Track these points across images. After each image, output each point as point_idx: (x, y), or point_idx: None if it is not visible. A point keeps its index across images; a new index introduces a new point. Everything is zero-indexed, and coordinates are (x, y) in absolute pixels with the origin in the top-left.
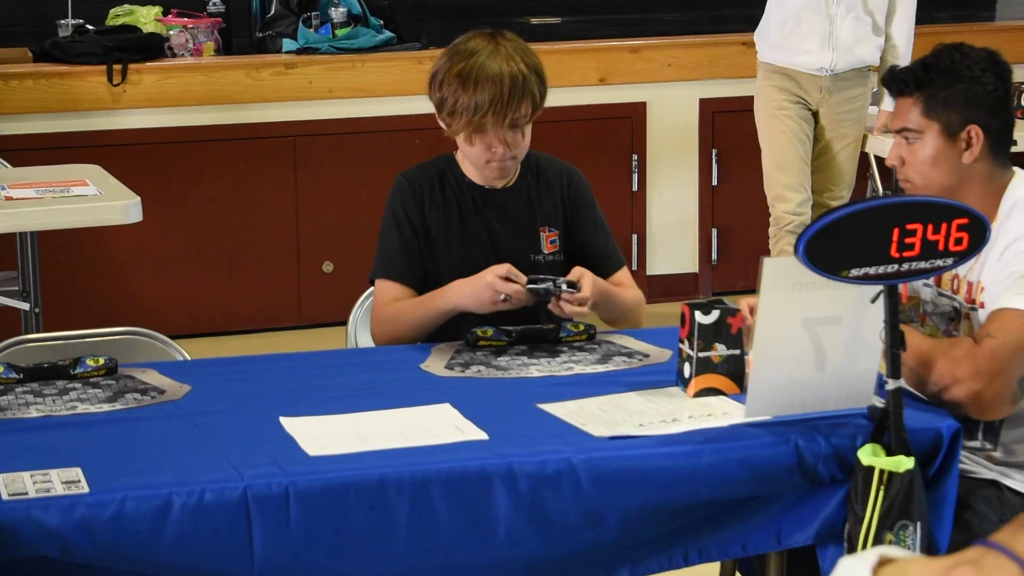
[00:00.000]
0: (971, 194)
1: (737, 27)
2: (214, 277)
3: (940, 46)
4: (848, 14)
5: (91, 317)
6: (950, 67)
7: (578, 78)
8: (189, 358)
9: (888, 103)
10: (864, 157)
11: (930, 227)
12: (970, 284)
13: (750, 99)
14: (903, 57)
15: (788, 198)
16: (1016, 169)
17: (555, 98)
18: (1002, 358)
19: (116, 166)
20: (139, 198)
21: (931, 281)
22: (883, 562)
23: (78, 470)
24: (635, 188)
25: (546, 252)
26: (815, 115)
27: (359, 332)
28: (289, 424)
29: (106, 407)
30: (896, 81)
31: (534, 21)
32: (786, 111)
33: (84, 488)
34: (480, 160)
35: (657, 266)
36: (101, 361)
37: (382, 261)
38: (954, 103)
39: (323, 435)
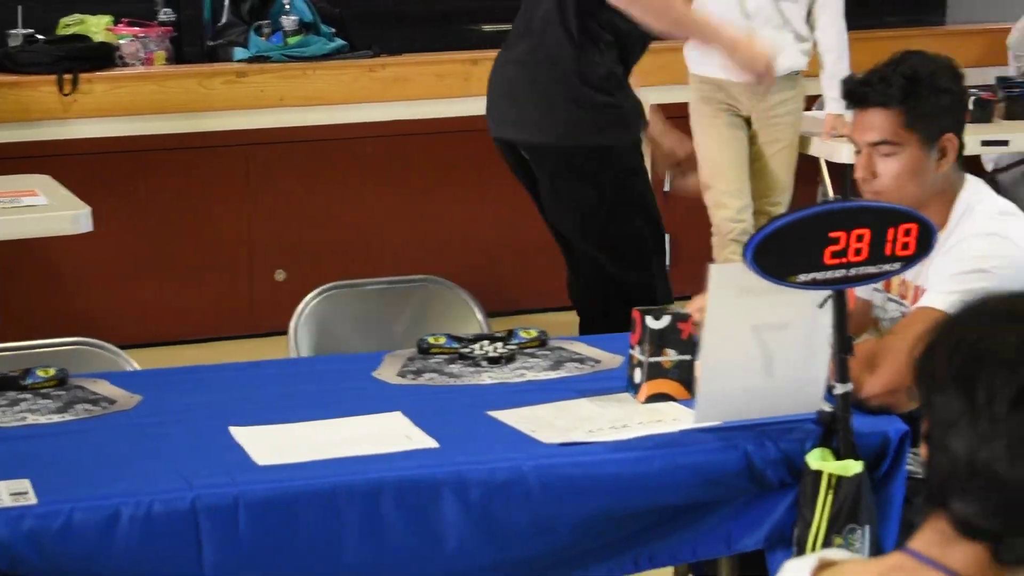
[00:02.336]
0: (933, 202)
1: None
2: (166, 286)
3: (905, 55)
4: (765, 26)
5: (41, 327)
6: (929, 78)
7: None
8: (140, 368)
9: (835, 107)
10: (813, 162)
11: (878, 232)
12: (917, 289)
13: None
14: (838, 60)
15: (727, 204)
16: (967, 176)
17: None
18: (896, 352)
19: (67, 176)
20: (89, 208)
21: (880, 286)
22: (823, 565)
23: (26, 482)
24: None
25: None
26: (748, 121)
27: (300, 339)
28: (239, 434)
29: (56, 418)
30: (875, 93)
31: (487, 28)
32: (718, 119)
33: (32, 500)
34: None
35: None
36: (51, 372)
37: None
38: (934, 114)
39: (273, 444)
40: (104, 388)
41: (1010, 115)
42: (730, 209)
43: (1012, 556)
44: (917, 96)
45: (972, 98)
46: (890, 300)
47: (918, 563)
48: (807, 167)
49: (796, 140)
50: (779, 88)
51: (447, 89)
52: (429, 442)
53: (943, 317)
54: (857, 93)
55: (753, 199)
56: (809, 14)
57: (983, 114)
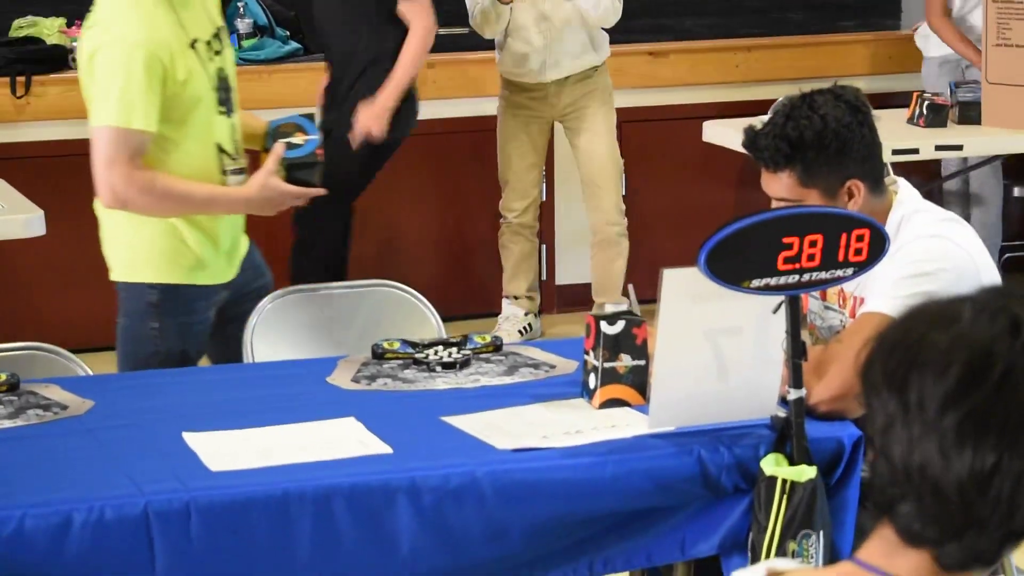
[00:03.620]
0: None
1: (643, 37)
2: None
3: (794, 106)
4: (564, 27)
5: None
6: (813, 135)
7: (484, 88)
8: (92, 373)
9: None
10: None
11: (831, 237)
12: (855, 299)
13: (659, 108)
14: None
15: (512, 207)
16: (898, 181)
17: (461, 108)
18: (843, 358)
19: (20, 179)
20: (42, 212)
21: (816, 294)
22: (772, 575)
23: None
24: (543, 198)
25: None
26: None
27: (254, 343)
28: (192, 439)
29: (8, 423)
30: (762, 158)
31: (441, 32)
32: (520, 121)
33: None
34: None
35: (565, 276)
36: (3, 377)
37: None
38: (829, 168)
39: (226, 450)
40: (56, 393)
41: (963, 120)
42: (514, 211)
43: (953, 561)
44: (804, 159)
45: (926, 103)
46: (828, 308)
47: (864, 572)
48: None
49: (612, 132)
50: (580, 85)
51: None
52: (383, 448)
53: (887, 321)
54: (752, 151)
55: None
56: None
57: (937, 119)
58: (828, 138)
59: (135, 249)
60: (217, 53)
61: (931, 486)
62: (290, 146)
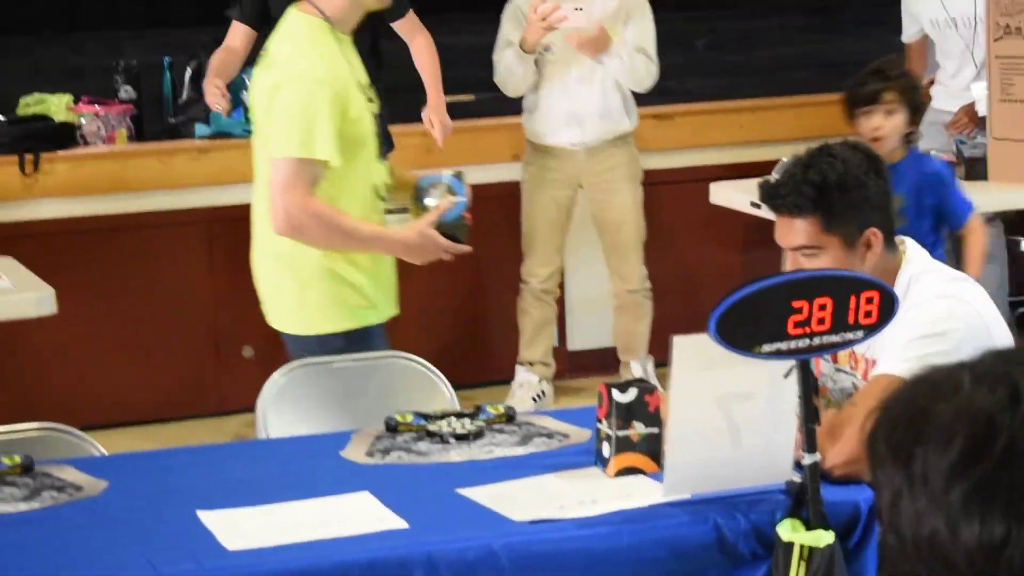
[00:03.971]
0: None
1: (648, 99)
2: (132, 366)
3: (813, 156)
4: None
5: (5, 412)
6: (837, 178)
7: (496, 155)
8: (106, 452)
9: None
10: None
11: (840, 300)
12: (867, 361)
13: (665, 171)
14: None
15: (535, 272)
16: (906, 241)
17: (473, 175)
18: (856, 421)
19: (30, 257)
20: (52, 290)
21: (827, 356)
22: None
23: None
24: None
25: None
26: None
27: (268, 418)
28: (207, 518)
29: (23, 506)
30: (784, 205)
31: (448, 100)
32: (544, 183)
33: None
34: None
35: (577, 341)
36: (17, 459)
37: None
38: (851, 214)
39: (242, 528)
40: (70, 474)
41: (970, 176)
42: (538, 277)
43: None
44: (829, 203)
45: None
46: (839, 370)
47: None
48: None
49: (638, 203)
50: (609, 152)
51: (407, 162)
52: (398, 522)
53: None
54: (772, 200)
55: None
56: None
57: None
58: (850, 183)
59: (306, 303)
60: (370, 100)
61: (942, 560)
62: (424, 208)
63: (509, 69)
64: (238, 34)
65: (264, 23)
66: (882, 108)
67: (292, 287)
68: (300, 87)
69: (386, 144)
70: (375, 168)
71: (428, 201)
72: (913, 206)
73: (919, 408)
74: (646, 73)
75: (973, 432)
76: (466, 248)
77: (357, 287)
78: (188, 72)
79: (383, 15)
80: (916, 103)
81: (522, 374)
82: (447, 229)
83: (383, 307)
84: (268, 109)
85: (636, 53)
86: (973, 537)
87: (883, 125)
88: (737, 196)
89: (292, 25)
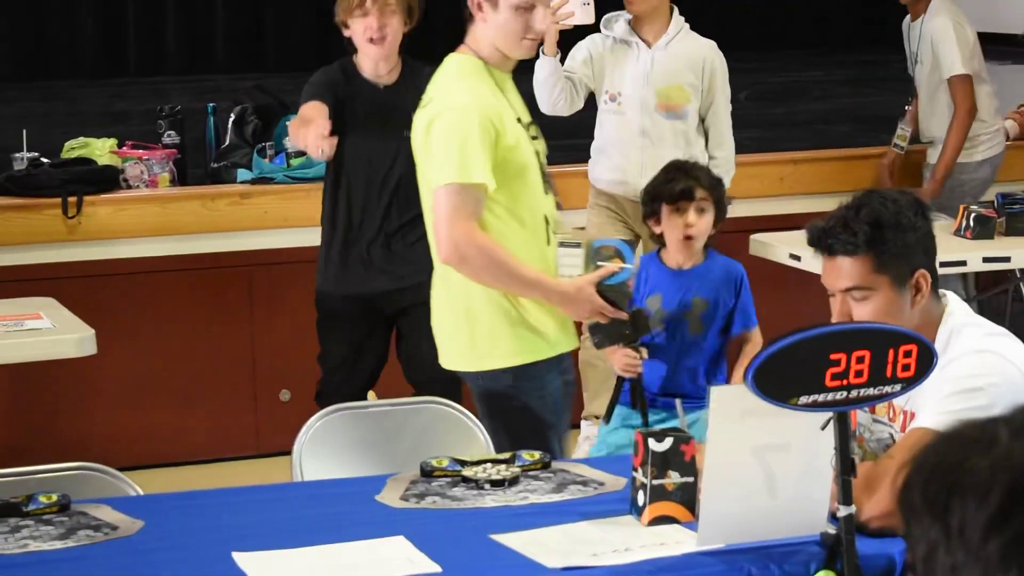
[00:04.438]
0: None
1: None
2: (170, 407)
3: (866, 196)
4: (658, 143)
5: (44, 452)
6: (892, 220)
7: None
8: (142, 492)
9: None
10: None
11: (878, 353)
12: (905, 413)
13: None
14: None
15: None
16: (948, 294)
17: None
18: (892, 475)
19: (71, 298)
20: (93, 331)
21: (866, 408)
22: None
23: None
24: None
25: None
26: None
27: (304, 461)
28: (242, 560)
29: (59, 544)
30: (840, 243)
31: None
32: (608, 226)
33: None
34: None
35: None
36: (54, 498)
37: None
38: (903, 254)
39: (276, 570)
40: (106, 514)
41: (1011, 231)
42: None
43: None
44: (883, 241)
45: (973, 215)
46: (876, 421)
47: None
48: (805, 282)
49: None
50: None
51: None
52: (432, 567)
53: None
54: (823, 242)
55: None
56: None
57: (984, 231)
58: (903, 223)
59: (474, 337)
60: (534, 138)
61: None
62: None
63: (537, 80)
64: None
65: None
66: (694, 205)
67: (461, 321)
68: (450, 115)
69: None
70: (542, 200)
71: (598, 263)
72: (712, 309)
73: (955, 461)
74: (727, 167)
75: (1011, 485)
76: (622, 314)
77: (526, 320)
78: (231, 117)
79: None
80: (722, 203)
81: (587, 428)
82: (609, 292)
83: (557, 340)
84: (425, 145)
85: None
86: None
87: (696, 223)
88: (778, 248)
89: (446, 66)
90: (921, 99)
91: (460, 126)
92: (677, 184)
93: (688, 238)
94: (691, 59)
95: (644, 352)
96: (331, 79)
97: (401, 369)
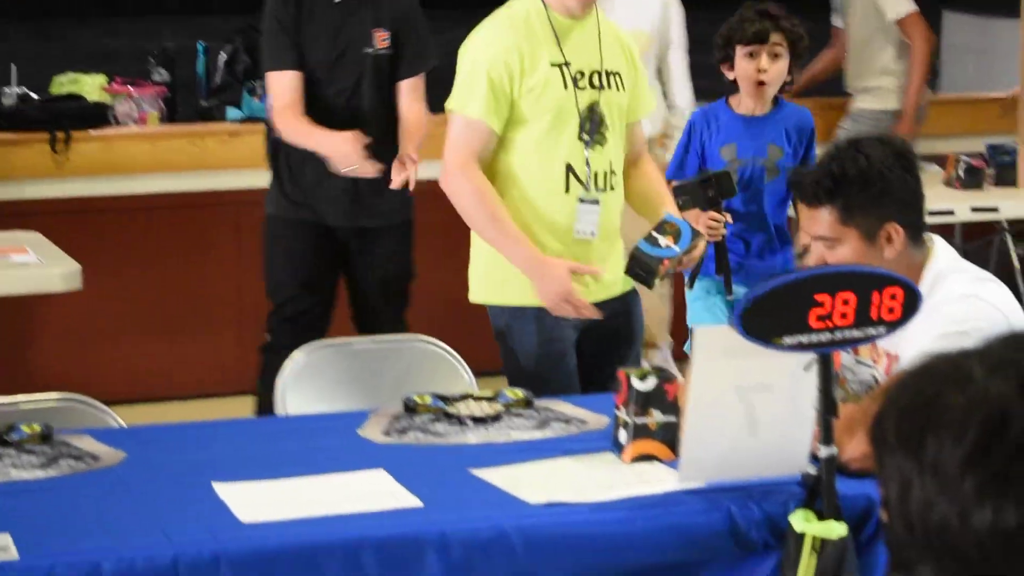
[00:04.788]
0: None
1: None
2: (155, 344)
3: (839, 148)
4: None
5: (28, 383)
6: (858, 173)
7: None
8: (125, 425)
9: None
10: None
11: (863, 296)
12: (889, 355)
13: None
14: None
15: None
16: (935, 239)
17: None
18: (869, 412)
19: (58, 234)
20: (79, 266)
21: (849, 349)
22: None
23: (7, 536)
24: None
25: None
26: None
27: (287, 397)
28: (222, 490)
29: (40, 473)
30: (804, 193)
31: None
32: None
33: (13, 555)
34: None
35: None
36: (36, 428)
37: None
38: (869, 207)
39: (256, 501)
40: (88, 444)
41: (1000, 182)
42: None
43: None
44: (847, 194)
45: (963, 166)
46: (860, 363)
47: None
48: None
49: None
50: None
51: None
52: (412, 501)
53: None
54: (792, 186)
55: None
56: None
57: (973, 181)
58: (872, 177)
59: (490, 272)
60: (597, 88)
61: (951, 547)
62: (653, 242)
63: None
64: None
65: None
66: (767, 49)
67: (478, 253)
68: (466, 49)
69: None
70: (572, 148)
71: (656, 235)
72: (787, 157)
73: (929, 397)
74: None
75: (987, 422)
76: (596, 314)
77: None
78: (222, 57)
79: (400, 65)
80: (800, 51)
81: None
82: (644, 258)
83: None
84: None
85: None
86: (985, 524)
87: (770, 68)
88: None
89: (504, 5)
90: (852, 49)
91: (472, 61)
92: (752, 26)
93: (761, 84)
94: (646, 4)
95: (728, 216)
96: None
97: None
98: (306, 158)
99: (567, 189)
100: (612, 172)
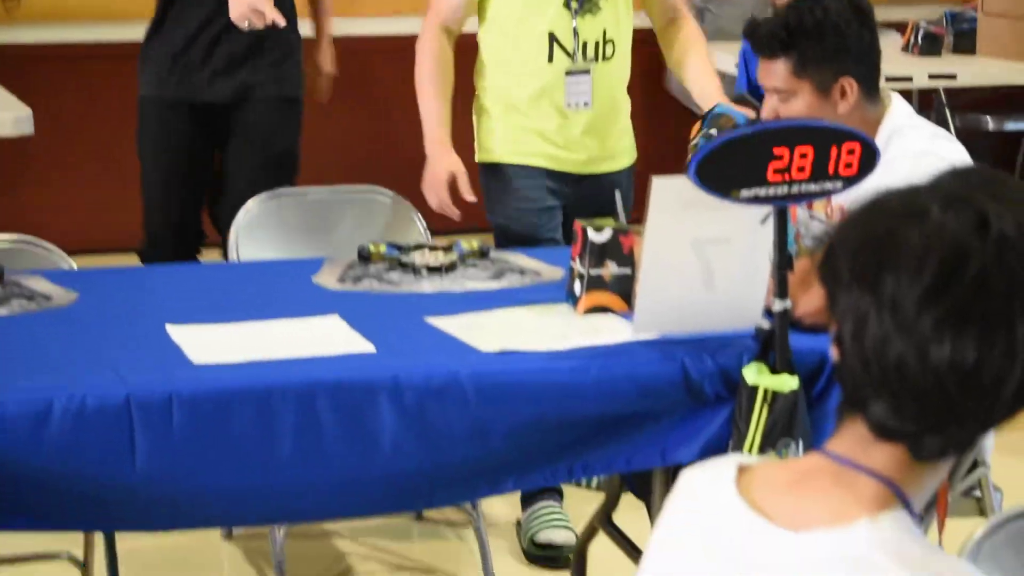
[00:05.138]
0: None
1: None
2: (107, 192)
3: (799, 1)
4: None
5: None
6: (813, 26)
7: None
8: (76, 268)
9: None
10: None
11: (821, 150)
12: (842, 210)
13: None
14: None
15: None
16: (891, 95)
17: None
18: None
19: (10, 80)
20: (30, 110)
21: (804, 204)
22: (742, 469)
23: None
24: None
25: None
26: None
27: (241, 246)
28: (176, 332)
29: None
30: (759, 44)
31: None
32: None
33: None
34: None
35: None
36: None
37: None
38: (823, 60)
39: (209, 344)
40: (41, 285)
41: (958, 49)
42: None
43: (929, 453)
44: (800, 46)
45: (921, 32)
46: (813, 218)
47: (836, 465)
48: None
49: None
50: None
51: (399, 6)
52: (366, 346)
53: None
54: (751, 40)
55: None
56: None
57: (932, 47)
58: (827, 30)
59: (478, 129)
60: None
61: (908, 382)
62: (710, 140)
63: None
64: None
65: None
66: None
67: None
68: None
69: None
70: (556, 16)
71: (712, 132)
72: None
73: (883, 233)
74: None
75: (945, 258)
76: (455, 212)
77: (503, 120)
78: None
79: None
80: None
81: None
82: (714, 117)
83: (543, 155)
84: None
85: None
86: (944, 359)
87: None
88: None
89: None
90: None
91: None
92: None
93: None
94: None
95: None
96: None
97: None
98: None
99: (550, 59)
100: (608, 41)
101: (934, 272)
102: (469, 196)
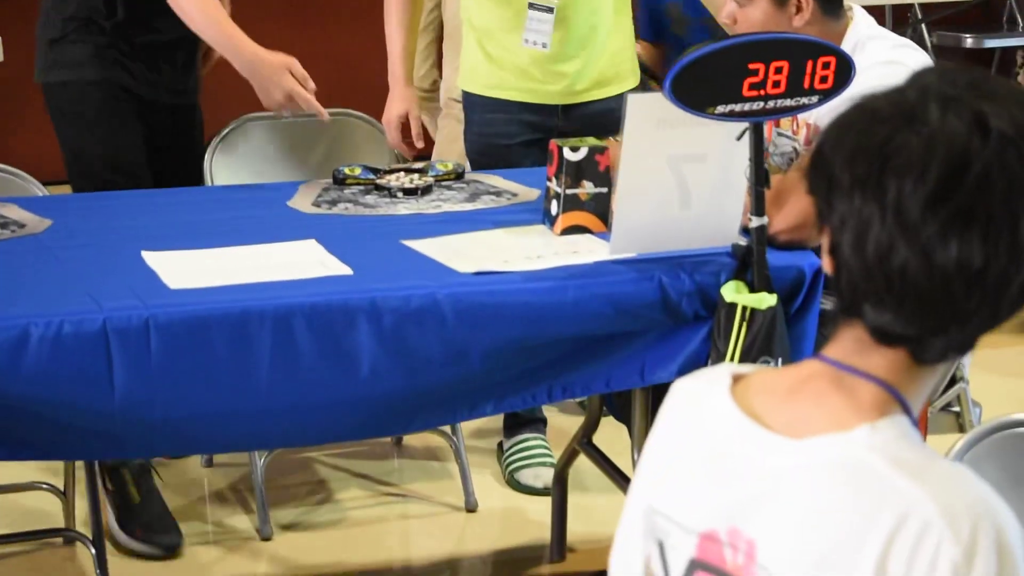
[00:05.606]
0: None
1: None
2: None
3: None
4: None
5: None
6: None
7: None
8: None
9: None
10: None
11: (796, 64)
12: (808, 126)
13: None
14: None
15: None
16: (854, 8)
17: None
18: (801, 187)
19: None
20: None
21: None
22: (736, 378)
23: None
24: None
25: None
26: None
27: (215, 171)
28: (151, 258)
29: None
30: None
31: None
32: None
33: None
34: None
35: None
36: None
37: None
38: None
39: (185, 269)
40: (13, 212)
41: None
42: None
43: (931, 356)
44: None
45: None
46: (780, 135)
47: (836, 370)
48: None
49: None
50: None
51: None
52: (343, 269)
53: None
54: None
55: None
56: None
57: None
58: None
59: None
60: None
61: (914, 289)
62: None
63: None
64: None
65: None
66: None
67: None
68: None
69: None
70: None
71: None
72: None
73: (882, 139)
74: None
75: (948, 161)
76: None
77: (478, 48)
78: None
79: None
80: None
81: None
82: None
83: (504, 86)
84: None
85: None
86: (950, 262)
87: None
88: None
89: None
90: None
91: None
92: None
93: None
94: None
95: None
96: None
97: None
98: None
99: None
100: None
101: (938, 175)
102: (418, 142)
